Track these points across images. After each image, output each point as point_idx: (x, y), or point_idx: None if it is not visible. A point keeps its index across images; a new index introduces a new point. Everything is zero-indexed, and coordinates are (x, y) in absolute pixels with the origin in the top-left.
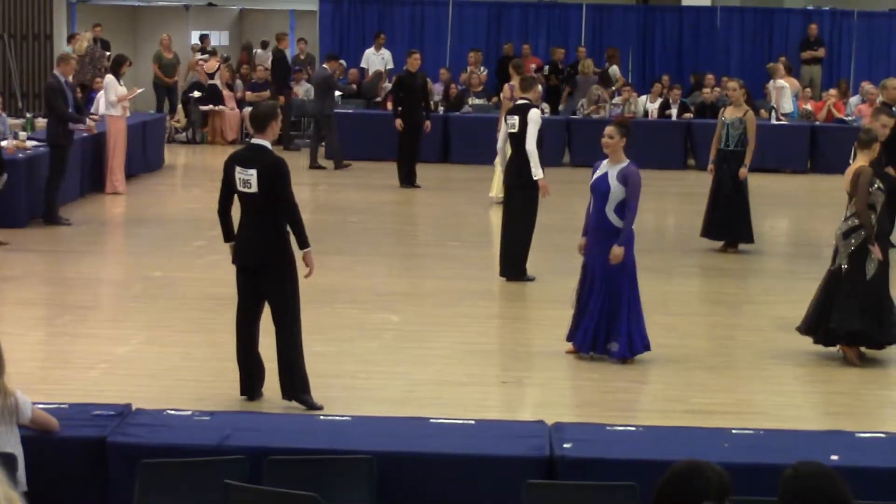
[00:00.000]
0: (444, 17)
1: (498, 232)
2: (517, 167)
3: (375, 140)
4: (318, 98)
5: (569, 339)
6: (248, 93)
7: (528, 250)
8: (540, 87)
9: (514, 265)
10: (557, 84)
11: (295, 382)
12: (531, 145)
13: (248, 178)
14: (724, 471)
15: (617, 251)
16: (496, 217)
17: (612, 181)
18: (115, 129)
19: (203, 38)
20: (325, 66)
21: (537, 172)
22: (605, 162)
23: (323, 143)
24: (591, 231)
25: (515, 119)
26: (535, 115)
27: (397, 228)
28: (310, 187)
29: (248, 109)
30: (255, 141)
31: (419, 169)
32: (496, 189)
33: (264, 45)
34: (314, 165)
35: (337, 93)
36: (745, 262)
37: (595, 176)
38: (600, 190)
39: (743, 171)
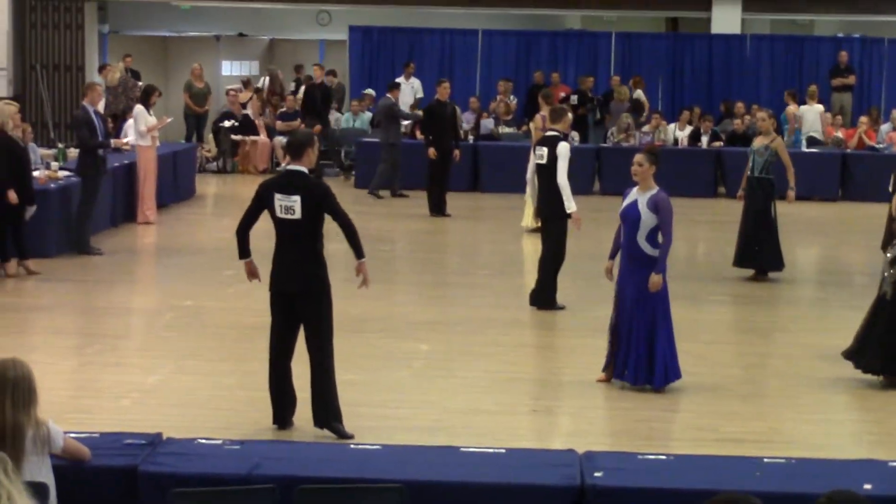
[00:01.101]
0: (473, 45)
1: (528, 260)
2: (548, 198)
3: (404, 169)
4: (382, 127)
5: (605, 369)
6: (279, 122)
7: (555, 281)
8: (570, 117)
9: (543, 294)
10: (586, 113)
11: (328, 410)
12: (563, 179)
13: (290, 205)
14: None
15: (655, 279)
16: (526, 246)
17: (643, 209)
18: (145, 158)
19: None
20: (388, 95)
21: (570, 206)
22: (634, 189)
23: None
24: (622, 259)
25: (544, 150)
26: (564, 149)
27: (427, 257)
28: None
29: (278, 139)
30: (291, 167)
31: (449, 198)
32: (527, 219)
33: (299, 75)
34: (372, 192)
35: (404, 122)
36: (776, 290)
37: (625, 204)
38: (631, 218)
39: (790, 194)
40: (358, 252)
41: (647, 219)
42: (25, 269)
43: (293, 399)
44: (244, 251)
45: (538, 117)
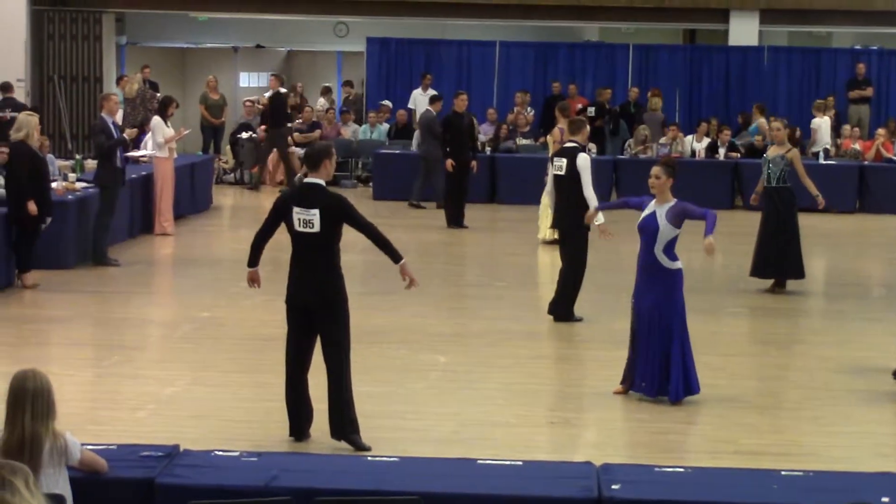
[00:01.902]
0: (490, 57)
1: (545, 272)
2: (567, 210)
3: (413, 180)
4: (423, 140)
5: (623, 381)
6: (297, 134)
7: (577, 292)
8: (588, 129)
9: (562, 305)
10: (602, 125)
11: (345, 422)
12: (589, 191)
13: (309, 219)
14: None
15: (709, 241)
16: (543, 258)
17: (662, 220)
18: (162, 170)
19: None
20: (429, 108)
21: (599, 217)
22: (652, 202)
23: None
24: (639, 272)
25: (563, 162)
26: (584, 161)
27: (445, 269)
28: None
29: (295, 150)
30: (309, 180)
31: (466, 209)
32: (543, 231)
33: (325, 91)
34: (413, 204)
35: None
36: (794, 302)
37: (643, 216)
38: (649, 229)
39: (820, 199)
40: (394, 257)
41: (666, 230)
42: (22, 281)
43: (310, 411)
44: (254, 260)
45: (556, 130)
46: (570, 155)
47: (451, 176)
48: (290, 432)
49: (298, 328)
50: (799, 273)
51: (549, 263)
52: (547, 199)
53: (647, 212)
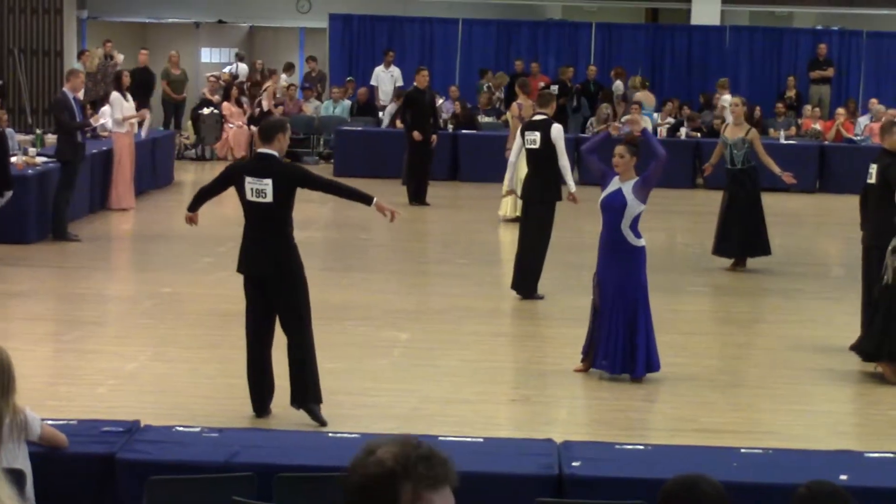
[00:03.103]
0: (453, 34)
1: (507, 250)
2: (537, 183)
3: (381, 158)
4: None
5: (584, 358)
6: (258, 111)
7: (541, 267)
8: (555, 103)
9: (526, 282)
10: (566, 104)
11: (307, 388)
12: (564, 160)
13: (262, 188)
14: (720, 484)
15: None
16: (505, 235)
17: (629, 196)
18: (120, 145)
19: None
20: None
21: (571, 185)
22: (615, 178)
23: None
24: (602, 250)
25: (536, 135)
26: (557, 132)
27: (406, 246)
28: (318, 204)
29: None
30: (262, 150)
31: (429, 187)
32: (505, 208)
33: (288, 68)
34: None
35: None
36: (755, 281)
37: (607, 193)
38: (615, 205)
39: (786, 176)
40: (364, 199)
41: (634, 206)
42: None
43: (271, 386)
44: (194, 206)
45: (514, 105)
46: (544, 128)
47: (413, 153)
48: (253, 408)
49: (255, 300)
50: (766, 249)
51: (511, 241)
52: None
53: (610, 188)
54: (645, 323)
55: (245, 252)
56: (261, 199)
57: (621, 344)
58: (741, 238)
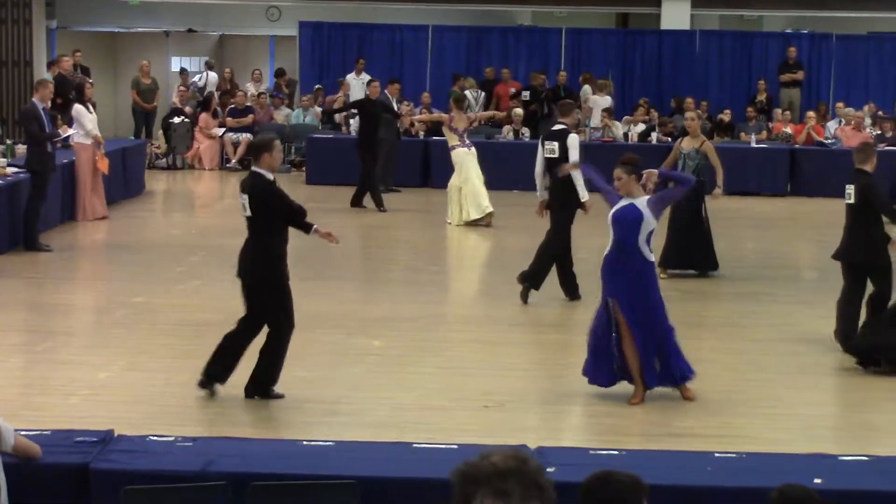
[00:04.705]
0: (423, 41)
1: (479, 256)
2: (557, 191)
3: (353, 165)
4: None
5: (634, 395)
6: (229, 119)
7: (547, 270)
8: (578, 113)
9: (534, 277)
10: (537, 110)
11: (270, 381)
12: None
13: (244, 203)
14: (634, 474)
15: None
16: (477, 242)
17: (644, 209)
18: (84, 156)
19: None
20: (386, 91)
21: (583, 194)
22: (624, 198)
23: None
24: (612, 267)
25: (554, 145)
26: (573, 141)
27: (378, 253)
28: None
29: (228, 135)
30: (252, 168)
31: (401, 194)
32: (456, 215)
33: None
34: (392, 189)
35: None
36: (725, 285)
37: (618, 207)
38: (628, 220)
39: (717, 191)
40: (303, 228)
41: (650, 220)
42: None
43: (233, 364)
44: None
45: (447, 116)
46: (561, 137)
47: (361, 159)
48: (202, 374)
49: (244, 302)
50: (712, 266)
51: (484, 248)
52: (456, 181)
53: (621, 204)
54: (669, 331)
55: (239, 255)
56: (245, 213)
57: (656, 355)
58: (686, 252)
